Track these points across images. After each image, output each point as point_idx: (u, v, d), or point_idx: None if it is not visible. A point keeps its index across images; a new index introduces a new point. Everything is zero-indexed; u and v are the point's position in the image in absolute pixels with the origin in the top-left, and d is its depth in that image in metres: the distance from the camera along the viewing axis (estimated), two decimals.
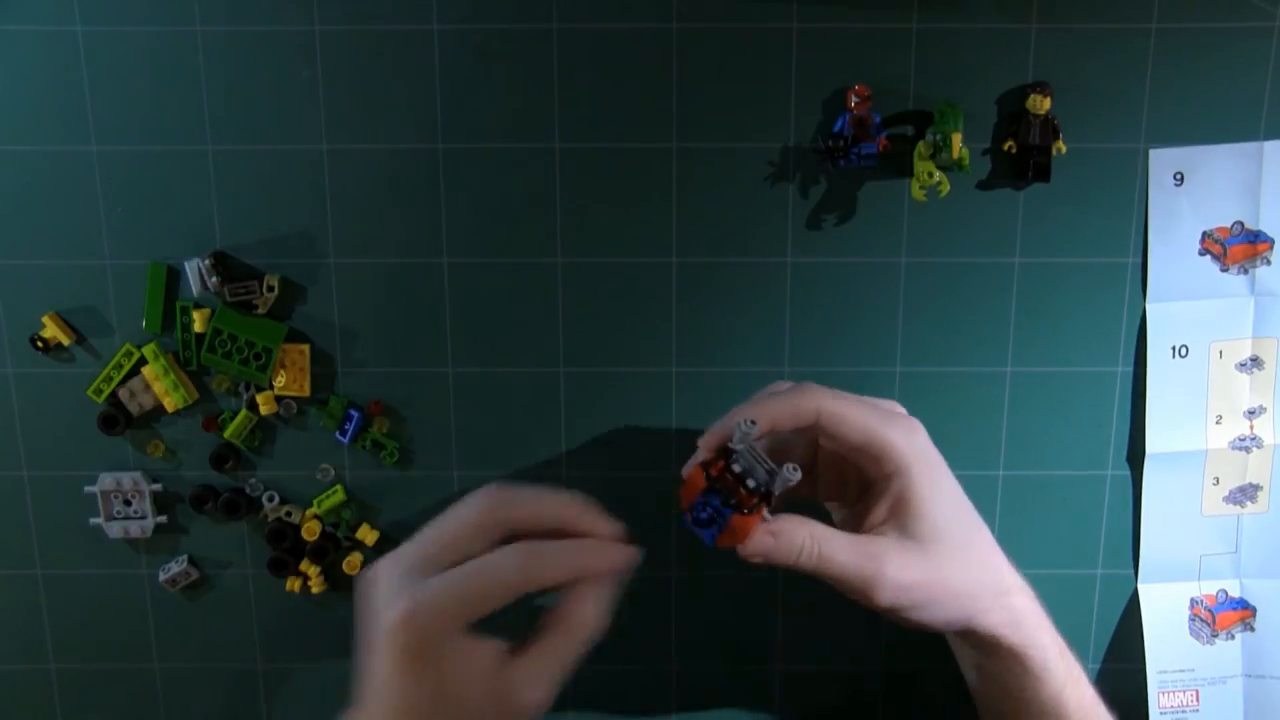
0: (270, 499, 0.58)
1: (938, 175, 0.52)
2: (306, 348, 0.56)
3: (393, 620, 0.40)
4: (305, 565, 0.58)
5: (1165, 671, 0.58)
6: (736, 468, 0.42)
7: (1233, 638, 0.58)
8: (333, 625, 0.60)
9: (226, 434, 0.56)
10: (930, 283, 0.55)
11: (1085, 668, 0.50)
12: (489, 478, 0.57)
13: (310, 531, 0.57)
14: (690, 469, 0.44)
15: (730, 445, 0.43)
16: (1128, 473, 0.57)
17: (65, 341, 0.55)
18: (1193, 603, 0.58)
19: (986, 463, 0.57)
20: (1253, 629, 0.58)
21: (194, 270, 0.54)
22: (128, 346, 0.56)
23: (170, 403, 0.56)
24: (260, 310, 0.55)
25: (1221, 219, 0.54)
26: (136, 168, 0.54)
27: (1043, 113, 0.52)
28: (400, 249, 0.55)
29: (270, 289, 0.55)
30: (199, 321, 0.55)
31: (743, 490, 0.42)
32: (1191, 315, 0.55)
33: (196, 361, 0.55)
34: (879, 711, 0.61)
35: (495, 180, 0.54)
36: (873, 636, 0.59)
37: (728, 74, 0.53)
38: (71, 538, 0.58)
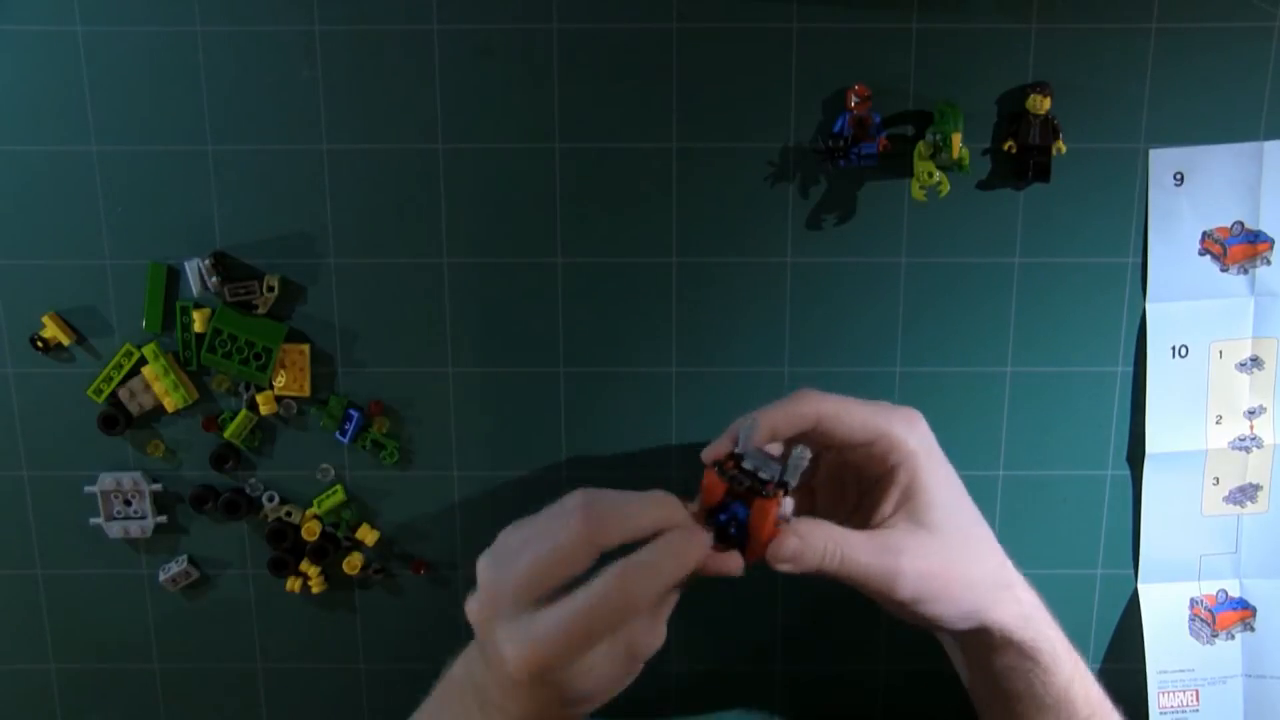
0: (270, 499, 0.58)
1: (938, 175, 0.52)
2: (306, 348, 0.56)
3: (518, 668, 0.41)
4: (305, 565, 0.58)
5: (1165, 671, 0.58)
6: (748, 465, 0.43)
7: (1233, 638, 0.58)
8: (333, 625, 0.60)
9: (226, 434, 0.56)
10: (930, 283, 0.55)
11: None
12: (489, 478, 0.58)
13: (310, 531, 0.57)
14: (705, 479, 0.43)
15: (736, 450, 0.43)
16: (1128, 473, 0.57)
17: (65, 341, 0.55)
18: (1193, 603, 0.58)
19: (986, 463, 0.57)
20: (1253, 629, 0.58)
21: (194, 270, 0.54)
22: (128, 346, 0.56)
23: (170, 403, 0.56)
24: (260, 310, 0.55)
25: (1221, 219, 0.54)
26: (136, 168, 0.54)
27: (1043, 113, 0.52)
28: (400, 249, 0.55)
29: (270, 289, 0.55)
30: (199, 321, 0.55)
31: (759, 480, 0.42)
32: (1191, 315, 0.55)
33: (196, 361, 0.55)
34: (879, 711, 0.61)
35: (495, 180, 0.54)
36: (873, 637, 0.59)
37: (728, 74, 0.53)
38: (71, 538, 0.58)
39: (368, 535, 0.58)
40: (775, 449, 0.46)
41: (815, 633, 0.60)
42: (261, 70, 0.53)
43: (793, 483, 0.42)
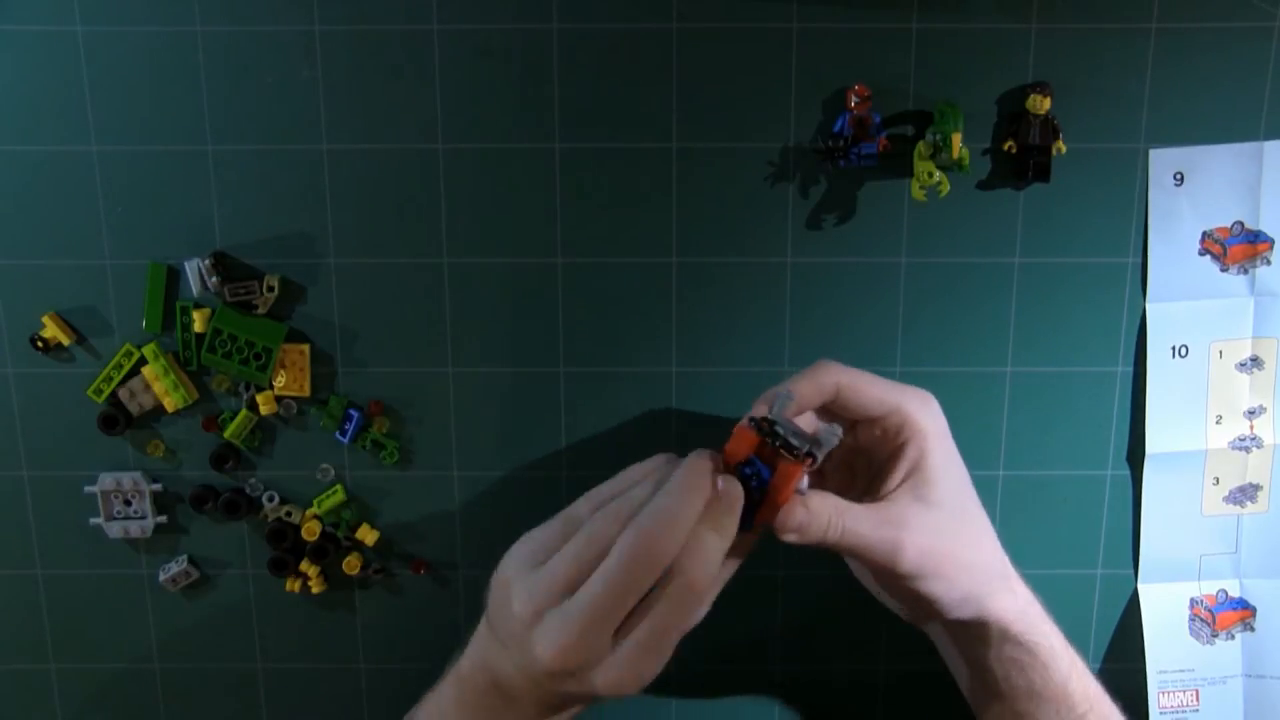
0: (270, 499, 0.58)
1: (938, 175, 0.52)
2: (306, 348, 0.56)
3: (554, 658, 0.40)
4: (305, 565, 0.58)
5: (1165, 671, 0.58)
6: (780, 430, 0.43)
7: (1233, 638, 0.58)
8: (333, 625, 0.60)
9: (226, 434, 0.56)
10: (930, 283, 0.55)
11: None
12: (489, 478, 0.58)
13: (310, 531, 0.57)
14: (736, 431, 0.44)
15: (769, 416, 0.43)
16: (1128, 473, 0.57)
17: (65, 341, 0.55)
18: (1193, 603, 0.58)
19: (986, 463, 0.57)
20: (1253, 629, 0.58)
21: (194, 270, 0.54)
22: (128, 346, 0.56)
23: (170, 403, 0.56)
24: (260, 310, 0.55)
25: (1221, 219, 0.54)
26: (136, 168, 0.54)
27: (1043, 113, 0.52)
28: (400, 249, 0.55)
29: (270, 289, 0.55)
30: (199, 321, 0.55)
31: (790, 444, 0.42)
32: (1191, 315, 0.55)
33: (196, 361, 0.55)
34: (879, 711, 0.61)
35: (495, 180, 0.54)
36: (873, 637, 0.59)
37: (728, 74, 0.53)
38: (71, 538, 0.58)
39: (368, 535, 0.58)
40: (804, 422, 0.47)
41: (815, 633, 0.60)
42: (261, 70, 0.53)
43: (819, 456, 0.42)
